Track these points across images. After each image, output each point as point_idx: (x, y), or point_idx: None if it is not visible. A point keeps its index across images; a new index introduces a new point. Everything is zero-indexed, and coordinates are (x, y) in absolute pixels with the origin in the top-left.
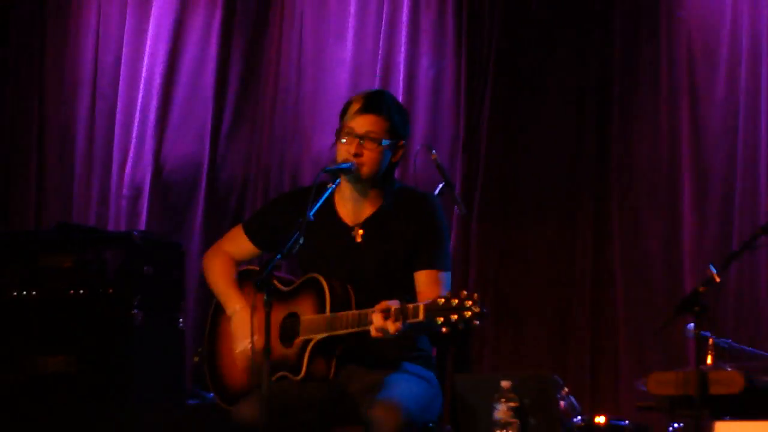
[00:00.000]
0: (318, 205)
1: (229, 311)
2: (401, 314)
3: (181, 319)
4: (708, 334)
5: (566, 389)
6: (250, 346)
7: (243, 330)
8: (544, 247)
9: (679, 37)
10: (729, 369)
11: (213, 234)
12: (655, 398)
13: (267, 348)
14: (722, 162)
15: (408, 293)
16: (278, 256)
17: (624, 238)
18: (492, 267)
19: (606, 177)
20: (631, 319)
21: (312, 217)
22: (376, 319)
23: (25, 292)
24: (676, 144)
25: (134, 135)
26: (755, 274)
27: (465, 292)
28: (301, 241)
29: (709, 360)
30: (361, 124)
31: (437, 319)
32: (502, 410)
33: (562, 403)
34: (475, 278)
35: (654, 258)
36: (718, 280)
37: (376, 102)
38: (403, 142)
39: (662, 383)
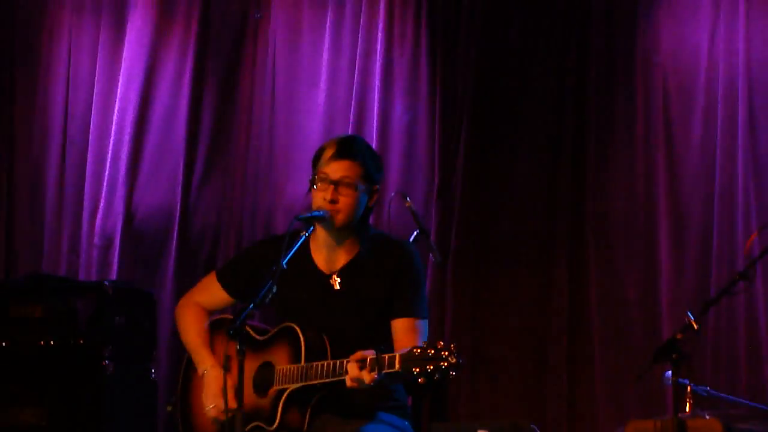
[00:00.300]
0: (291, 253)
1: (200, 370)
2: (377, 364)
3: (153, 370)
4: (686, 381)
5: None
6: (221, 406)
7: (213, 389)
8: (520, 294)
9: (654, 80)
10: (708, 417)
11: (185, 283)
12: None
13: (240, 396)
14: (699, 206)
15: (385, 341)
16: (251, 306)
17: (601, 285)
18: (467, 314)
19: (582, 223)
20: (609, 367)
21: (285, 266)
22: (352, 369)
23: None
24: (652, 189)
25: (105, 183)
26: (733, 320)
27: (441, 343)
28: (274, 290)
29: (687, 408)
30: (336, 169)
31: (413, 369)
32: None
33: None
34: (451, 325)
35: (631, 305)
36: (696, 326)
37: (349, 147)
38: (377, 186)
39: (640, 431)
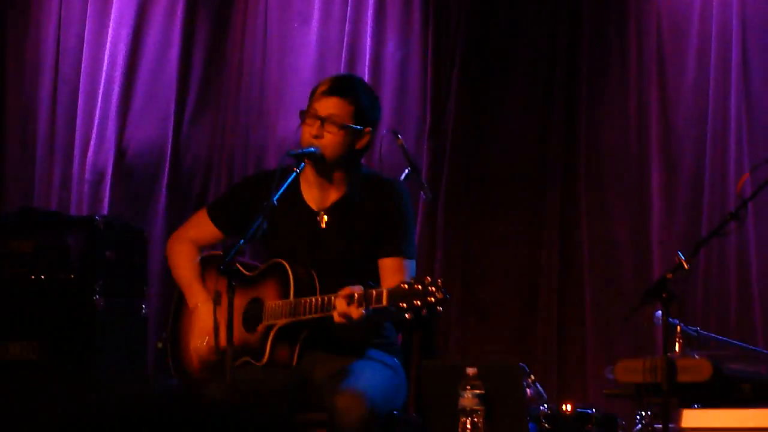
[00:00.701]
0: (282, 189)
1: (191, 304)
2: (364, 300)
3: (144, 305)
4: (676, 321)
5: (533, 377)
6: (212, 343)
7: (203, 325)
8: (510, 234)
9: (648, 20)
10: (697, 357)
11: (176, 218)
12: (623, 386)
13: (230, 332)
14: (691, 147)
15: (373, 280)
16: (241, 242)
17: (592, 226)
18: (458, 254)
19: (574, 164)
20: (599, 307)
21: (276, 202)
22: (340, 304)
23: None
24: (644, 129)
25: (96, 119)
26: (724, 261)
27: (429, 278)
28: (264, 226)
29: (677, 348)
30: (325, 106)
31: (401, 304)
32: (467, 397)
33: (528, 390)
34: (442, 265)
35: (622, 246)
36: (686, 266)
37: (343, 85)
38: (369, 129)
39: (630, 371)
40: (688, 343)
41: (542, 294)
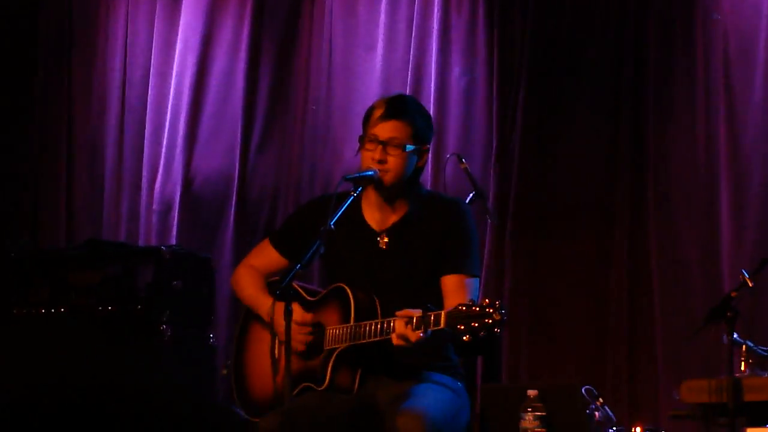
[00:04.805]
0: (339, 213)
1: (263, 310)
2: (423, 322)
3: (211, 335)
4: (741, 340)
5: (601, 400)
6: (282, 340)
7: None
8: (579, 256)
9: (714, 39)
10: (766, 375)
11: (244, 247)
12: (690, 407)
13: (288, 358)
14: (760, 166)
15: (436, 300)
16: (298, 266)
17: (661, 246)
18: (527, 278)
19: (642, 184)
20: (670, 328)
21: (333, 226)
22: (398, 326)
23: (53, 310)
24: (713, 148)
25: (164, 149)
26: None
27: (487, 300)
28: (321, 250)
29: (743, 367)
30: (385, 130)
31: (459, 327)
32: (528, 419)
33: (597, 414)
34: (510, 290)
35: (692, 265)
36: (750, 284)
37: (398, 107)
38: (427, 146)
39: (695, 391)
40: (759, 363)
41: (612, 316)
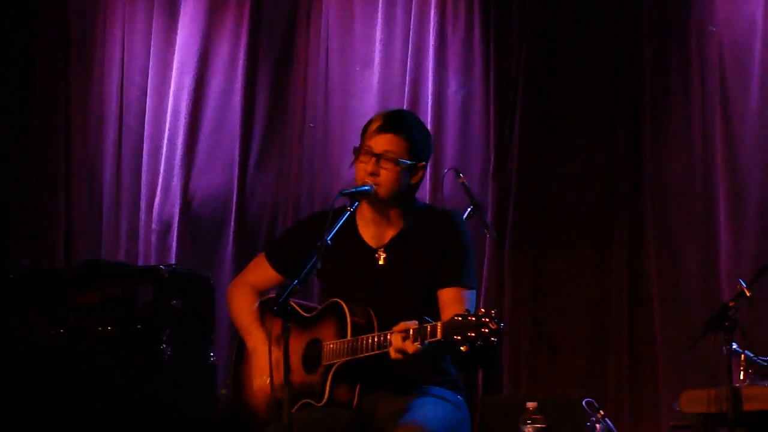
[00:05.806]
0: (335, 229)
1: (249, 347)
2: (419, 334)
3: (212, 353)
4: (740, 350)
5: (602, 412)
6: (267, 381)
7: (261, 366)
8: (578, 269)
9: (710, 50)
10: (765, 385)
11: (243, 266)
12: (690, 417)
13: (286, 373)
14: (758, 176)
15: (434, 314)
16: (294, 282)
17: (660, 259)
18: (526, 291)
19: (640, 197)
20: (670, 339)
21: (330, 242)
22: (395, 340)
23: (52, 331)
24: (710, 160)
25: (162, 168)
26: None
27: (483, 310)
28: (318, 266)
29: (741, 376)
30: (380, 143)
31: (455, 337)
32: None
33: (597, 426)
34: (510, 304)
35: (691, 277)
36: (748, 294)
37: (396, 121)
38: (423, 164)
39: (694, 401)
40: (758, 372)
41: (612, 328)
